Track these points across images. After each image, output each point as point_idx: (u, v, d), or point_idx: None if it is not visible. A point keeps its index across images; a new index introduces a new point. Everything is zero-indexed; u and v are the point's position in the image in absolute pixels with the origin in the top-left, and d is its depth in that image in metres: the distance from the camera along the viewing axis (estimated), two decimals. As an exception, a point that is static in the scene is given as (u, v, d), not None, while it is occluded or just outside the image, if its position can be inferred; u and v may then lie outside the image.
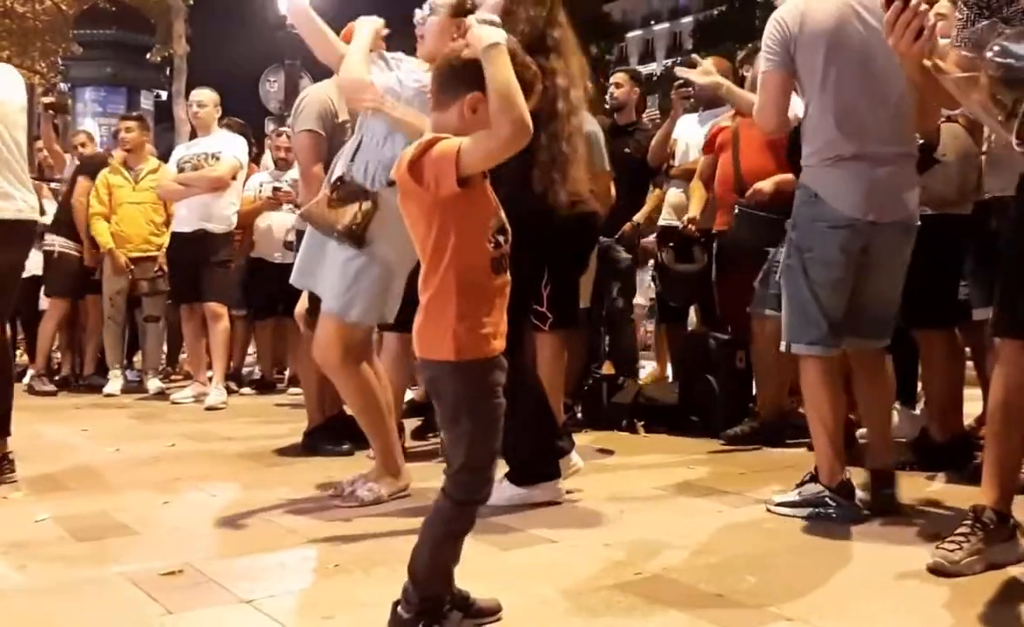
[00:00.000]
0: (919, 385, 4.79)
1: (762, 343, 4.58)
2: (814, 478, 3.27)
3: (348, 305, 3.44)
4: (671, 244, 5.59)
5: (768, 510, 3.29)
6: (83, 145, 8.08)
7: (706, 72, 4.51)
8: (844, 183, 3.15)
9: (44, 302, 7.72)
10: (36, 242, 7.65)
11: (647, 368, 7.07)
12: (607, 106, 6.30)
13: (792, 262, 3.27)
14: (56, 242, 7.36)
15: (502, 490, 3.35)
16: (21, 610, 2.37)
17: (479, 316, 2.06)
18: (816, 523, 3.13)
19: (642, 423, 5.26)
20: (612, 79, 6.58)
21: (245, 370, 7.93)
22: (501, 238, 2.10)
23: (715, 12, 43.35)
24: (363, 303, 3.45)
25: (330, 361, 3.53)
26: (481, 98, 2.05)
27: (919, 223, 3.27)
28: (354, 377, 3.53)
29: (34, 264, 7.71)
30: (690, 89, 5.93)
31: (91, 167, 7.44)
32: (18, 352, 8.42)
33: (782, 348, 3.35)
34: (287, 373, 7.60)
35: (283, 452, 4.59)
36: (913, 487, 3.55)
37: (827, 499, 3.19)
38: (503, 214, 2.13)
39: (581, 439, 4.87)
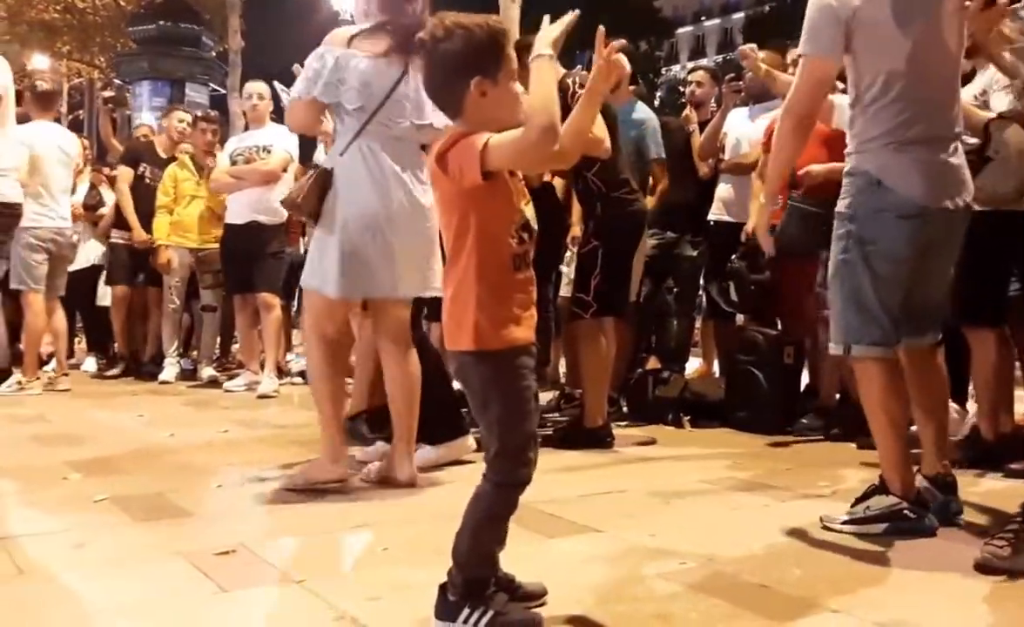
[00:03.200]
0: (970, 384, 4.74)
1: None
2: (878, 490, 3.02)
3: (321, 281, 3.54)
4: (742, 253, 5.49)
5: (827, 529, 3.00)
6: (145, 136, 8.26)
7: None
8: (914, 168, 2.91)
9: (104, 292, 7.92)
10: (95, 233, 7.90)
11: (693, 364, 7.04)
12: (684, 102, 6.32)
13: (851, 256, 2.98)
14: (114, 233, 7.58)
15: (421, 453, 3.73)
16: (81, 587, 2.45)
17: (500, 307, 2.07)
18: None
19: (688, 418, 5.25)
20: (691, 77, 6.59)
21: (293, 358, 8.04)
22: (525, 234, 2.11)
23: (766, 8, 42.86)
24: (330, 276, 3.51)
25: (303, 327, 3.80)
26: (482, 83, 2.06)
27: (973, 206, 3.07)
28: (316, 349, 3.61)
29: (92, 254, 7.93)
30: (740, 83, 5.91)
31: (129, 157, 7.64)
32: (77, 340, 8.65)
33: (835, 350, 3.10)
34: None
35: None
36: (963, 485, 3.50)
37: (905, 512, 2.95)
38: (529, 211, 2.14)
39: (625, 432, 4.90)
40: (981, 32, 2.69)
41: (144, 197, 7.39)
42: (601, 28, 2.14)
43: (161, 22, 14.64)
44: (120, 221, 7.56)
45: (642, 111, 5.56)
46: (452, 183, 2.05)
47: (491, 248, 2.06)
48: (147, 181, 7.48)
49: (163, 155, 7.61)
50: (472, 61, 2.07)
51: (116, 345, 7.90)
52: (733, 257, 5.27)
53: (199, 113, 8.37)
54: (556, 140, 2.01)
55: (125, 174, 7.51)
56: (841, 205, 3.06)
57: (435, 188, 2.14)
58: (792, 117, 3.13)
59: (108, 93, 9.26)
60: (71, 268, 7.78)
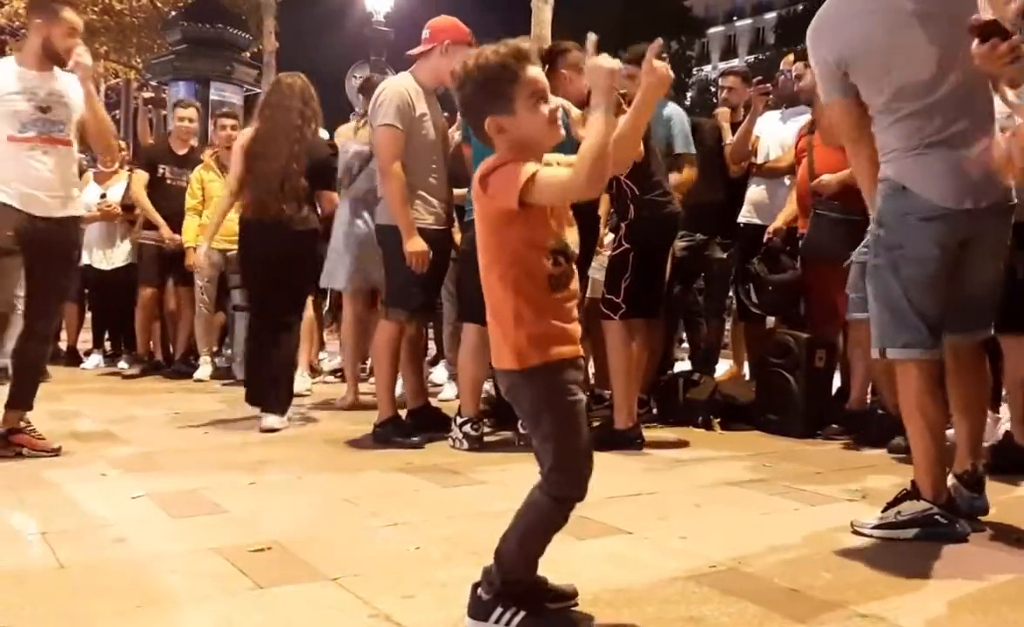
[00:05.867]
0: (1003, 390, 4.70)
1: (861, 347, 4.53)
2: (910, 495, 3.01)
3: None
4: (762, 253, 5.50)
5: (858, 533, 3.01)
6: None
7: None
8: (934, 169, 2.91)
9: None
10: (131, 231, 7.98)
11: (722, 366, 7.02)
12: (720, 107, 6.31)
13: (880, 262, 3.02)
14: (144, 234, 7.66)
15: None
16: (120, 581, 2.51)
17: (538, 323, 2.09)
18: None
19: (718, 420, 5.25)
20: (723, 82, 6.56)
21: (325, 357, 8.10)
22: (562, 258, 2.13)
23: (799, 7, 42.55)
24: None
25: None
26: (494, 121, 2.08)
27: (1014, 202, 3.01)
28: None
29: (126, 254, 8.01)
30: (768, 86, 5.89)
31: (147, 160, 7.75)
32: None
33: (874, 354, 3.13)
34: (369, 362, 7.73)
35: (366, 438, 4.70)
36: (994, 491, 3.48)
37: (936, 517, 2.93)
38: (571, 236, 2.16)
39: (656, 434, 4.90)
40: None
41: (168, 196, 7.47)
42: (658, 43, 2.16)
43: (186, 23, 14.66)
44: (149, 222, 7.63)
45: (670, 108, 5.58)
46: (489, 202, 2.09)
47: (524, 268, 2.09)
48: (168, 181, 7.56)
49: (178, 152, 7.68)
50: (481, 103, 2.11)
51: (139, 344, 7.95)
52: (754, 259, 5.27)
53: (220, 110, 8.42)
54: (601, 189, 2.08)
55: (139, 178, 7.58)
56: (873, 211, 3.10)
57: (476, 204, 2.16)
58: (846, 145, 3.31)
59: (147, 94, 9.36)
60: (105, 266, 7.91)
